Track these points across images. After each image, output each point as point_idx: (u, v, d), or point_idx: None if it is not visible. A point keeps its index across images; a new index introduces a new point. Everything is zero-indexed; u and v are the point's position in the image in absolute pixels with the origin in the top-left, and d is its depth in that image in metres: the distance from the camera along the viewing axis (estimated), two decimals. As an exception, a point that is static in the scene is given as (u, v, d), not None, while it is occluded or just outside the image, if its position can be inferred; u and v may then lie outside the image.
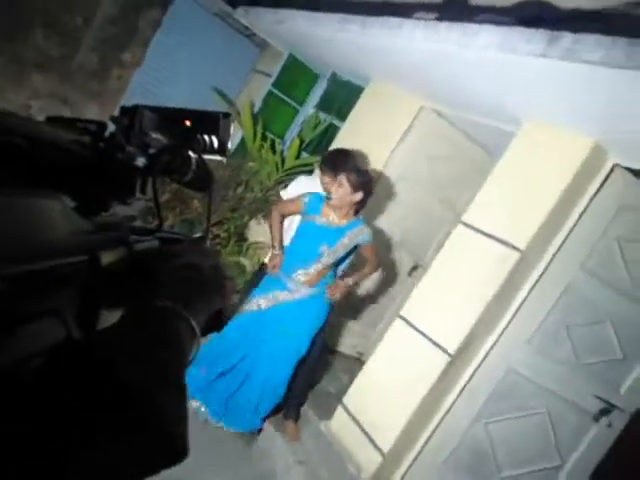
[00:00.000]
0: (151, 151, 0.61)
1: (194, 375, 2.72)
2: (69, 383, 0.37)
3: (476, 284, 2.75)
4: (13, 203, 0.41)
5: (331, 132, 4.42)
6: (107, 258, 0.49)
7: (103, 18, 4.93)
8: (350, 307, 4.10)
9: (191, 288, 0.54)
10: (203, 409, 2.74)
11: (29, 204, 0.43)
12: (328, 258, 2.71)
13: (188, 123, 0.69)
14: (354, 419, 2.90)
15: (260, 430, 2.89)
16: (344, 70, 4.45)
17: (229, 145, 0.72)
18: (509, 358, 2.81)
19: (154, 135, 0.62)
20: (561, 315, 2.79)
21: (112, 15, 4.97)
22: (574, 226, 2.74)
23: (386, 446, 2.71)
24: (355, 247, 2.80)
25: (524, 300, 2.78)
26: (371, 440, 2.77)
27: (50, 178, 0.47)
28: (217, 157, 0.71)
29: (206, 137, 0.70)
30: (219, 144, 0.70)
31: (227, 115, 0.72)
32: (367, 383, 2.99)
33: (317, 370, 3.09)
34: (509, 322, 2.79)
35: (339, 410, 3.02)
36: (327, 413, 3.07)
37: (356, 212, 2.83)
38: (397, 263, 4.20)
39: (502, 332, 2.79)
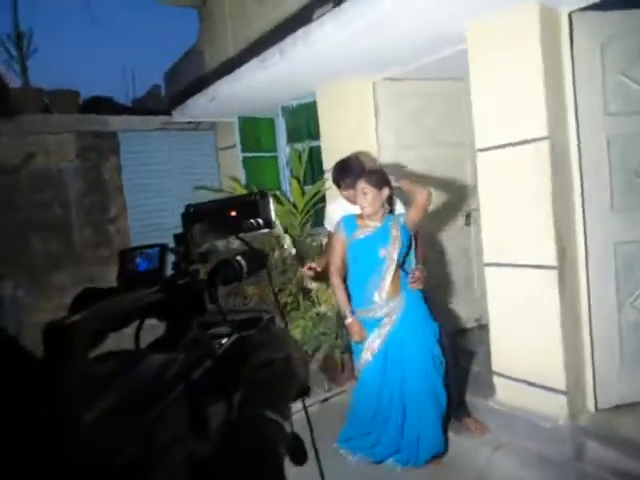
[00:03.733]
0: (207, 266, 0.71)
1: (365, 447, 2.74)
2: None
3: (531, 191, 2.67)
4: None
5: (316, 154, 4.45)
6: (198, 376, 0.56)
7: (76, 196, 5.17)
8: (439, 287, 4.04)
9: (272, 388, 0.59)
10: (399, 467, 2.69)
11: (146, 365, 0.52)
12: (391, 260, 2.67)
13: (233, 213, 0.78)
14: (515, 379, 2.82)
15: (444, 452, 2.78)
16: (290, 99, 4.51)
17: (273, 218, 0.80)
18: (608, 233, 2.69)
19: (211, 236, 0.74)
20: (622, 165, 2.67)
21: (80, 189, 5.21)
22: (574, 86, 2.64)
23: (561, 383, 2.61)
24: (408, 236, 2.75)
25: (581, 175, 2.67)
26: (544, 387, 2.68)
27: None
28: (266, 230, 0.79)
29: (252, 220, 0.78)
30: (264, 220, 0.78)
31: (264, 194, 0.80)
32: (503, 341, 2.91)
33: (455, 364, 3.01)
34: (583, 202, 2.68)
35: (496, 379, 2.93)
36: (488, 390, 2.99)
37: (391, 211, 2.80)
38: (451, 221, 4.13)
39: (583, 214, 2.68)
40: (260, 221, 0.78)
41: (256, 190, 4.05)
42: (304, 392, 0.71)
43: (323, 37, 2.88)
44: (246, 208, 0.79)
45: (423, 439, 2.62)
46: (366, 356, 2.70)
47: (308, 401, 3.47)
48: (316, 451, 0.78)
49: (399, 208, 2.93)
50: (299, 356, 0.70)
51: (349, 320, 2.69)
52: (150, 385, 0.50)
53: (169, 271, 0.69)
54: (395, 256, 2.67)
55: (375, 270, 2.68)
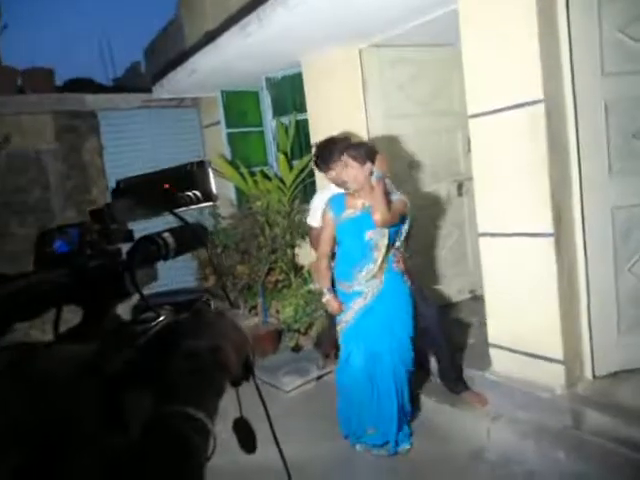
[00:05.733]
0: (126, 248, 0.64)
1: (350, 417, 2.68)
2: None
3: (526, 157, 2.58)
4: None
5: (303, 127, 4.32)
6: (112, 370, 0.52)
7: (56, 179, 5.02)
8: (432, 260, 3.98)
9: (194, 382, 0.55)
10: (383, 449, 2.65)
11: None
12: (380, 242, 2.55)
13: (167, 186, 0.70)
14: (511, 350, 2.77)
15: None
16: (274, 70, 4.35)
17: (213, 190, 0.72)
18: (605, 198, 2.62)
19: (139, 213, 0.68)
20: (619, 127, 2.58)
21: (61, 170, 5.05)
22: (570, 45, 2.53)
23: (558, 352, 2.57)
24: (399, 218, 2.60)
25: (577, 138, 2.59)
26: (541, 357, 2.64)
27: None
28: (207, 204, 0.71)
29: (189, 193, 0.70)
30: (203, 193, 0.70)
31: (201, 163, 0.72)
32: (498, 311, 2.86)
33: (449, 339, 2.98)
34: (579, 167, 2.60)
35: (493, 351, 2.89)
36: (484, 362, 2.95)
37: None
38: (444, 193, 4.04)
39: (580, 179, 2.61)
40: (198, 194, 0.70)
41: (241, 166, 3.96)
42: (237, 382, 0.67)
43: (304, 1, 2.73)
44: (181, 180, 0.71)
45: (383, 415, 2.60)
46: (341, 325, 2.69)
47: (302, 379, 3.42)
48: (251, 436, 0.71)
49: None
50: (236, 343, 0.64)
51: (327, 297, 2.68)
52: (50, 380, 0.47)
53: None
54: (381, 240, 2.55)
55: (361, 253, 2.57)
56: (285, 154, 4.30)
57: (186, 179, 0.71)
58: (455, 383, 2.90)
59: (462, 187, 4.04)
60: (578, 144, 2.60)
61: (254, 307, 4.59)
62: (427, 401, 2.98)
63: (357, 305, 2.61)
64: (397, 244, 2.66)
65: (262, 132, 4.97)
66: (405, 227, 2.67)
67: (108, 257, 0.64)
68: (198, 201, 0.71)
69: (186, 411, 0.51)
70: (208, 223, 4.48)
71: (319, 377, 3.64)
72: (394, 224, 2.55)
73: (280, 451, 0.76)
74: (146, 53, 7.17)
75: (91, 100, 5.17)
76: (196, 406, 0.52)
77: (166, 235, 0.68)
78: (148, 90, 5.20)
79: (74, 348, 0.55)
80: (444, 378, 2.95)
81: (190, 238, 0.72)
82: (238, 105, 4.88)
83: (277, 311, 4.24)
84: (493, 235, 2.82)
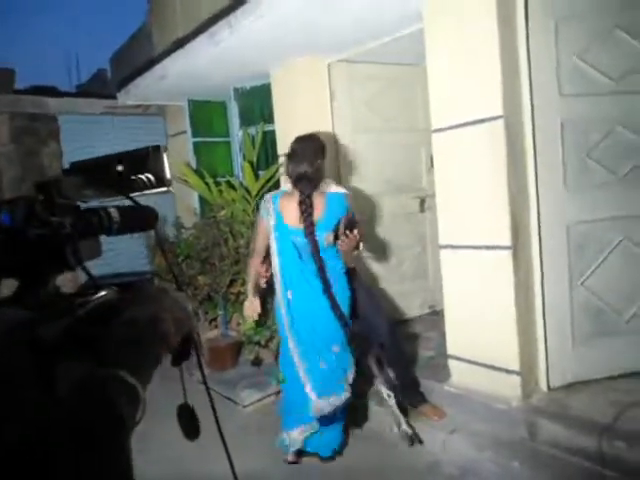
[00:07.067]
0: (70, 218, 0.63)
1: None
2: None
3: (486, 171, 2.65)
4: None
5: (270, 138, 4.32)
6: (47, 333, 0.51)
7: (11, 182, 4.83)
8: (392, 275, 4.00)
9: (130, 348, 0.56)
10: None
11: None
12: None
13: (120, 168, 0.70)
14: (470, 362, 2.80)
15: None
16: (243, 80, 4.36)
17: (167, 175, 0.72)
18: (560, 214, 2.70)
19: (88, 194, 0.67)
20: (575, 146, 2.69)
21: (15, 174, 4.87)
22: (530, 65, 2.63)
23: (515, 364, 2.60)
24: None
25: (535, 155, 2.68)
26: (498, 369, 2.67)
27: None
28: (160, 189, 0.71)
29: (142, 176, 0.70)
30: (156, 177, 0.70)
31: (156, 147, 0.72)
32: (457, 323, 2.88)
33: (404, 352, 2.98)
34: (536, 183, 2.68)
35: (452, 363, 2.90)
36: (443, 374, 2.95)
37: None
38: (405, 207, 4.09)
39: (537, 195, 2.68)
40: (151, 177, 0.70)
41: (206, 176, 3.87)
42: (178, 360, 0.67)
43: (274, 8, 2.75)
44: (135, 163, 0.71)
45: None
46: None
47: (260, 394, 3.30)
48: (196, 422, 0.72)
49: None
50: (177, 317, 0.64)
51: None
52: None
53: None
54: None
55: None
56: (251, 163, 4.28)
57: (140, 163, 0.71)
58: (412, 395, 2.88)
59: (424, 203, 4.10)
60: (535, 160, 2.68)
61: (214, 319, 4.49)
62: (382, 412, 2.95)
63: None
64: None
65: (229, 143, 4.95)
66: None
67: (50, 228, 0.62)
68: (152, 185, 0.70)
69: (119, 374, 0.51)
70: (170, 233, 4.39)
71: (278, 392, 3.56)
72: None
73: (231, 465, 0.77)
74: (112, 61, 7.07)
75: (52, 103, 5.04)
76: (129, 371, 0.52)
77: (112, 210, 0.67)
78: (113, 97, 5.11)
79: (8, 311, 0.53)
80: (401, 391, 2.93)
81: (138, 218, 0.71)
82: (205, 115, 4.85)
83: (238, 324, 4.14)
84: (454, 247, 2.86)
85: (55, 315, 0.55)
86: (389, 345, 2.81)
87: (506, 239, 2.60)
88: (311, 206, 2.43)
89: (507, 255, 2.61)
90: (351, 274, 2.70)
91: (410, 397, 2.88)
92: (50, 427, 0.44)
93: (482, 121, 2.63)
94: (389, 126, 3.98)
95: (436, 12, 2.75)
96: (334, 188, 2.57)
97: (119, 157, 0.71)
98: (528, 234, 2.70)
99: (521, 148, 2.68)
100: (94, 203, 0.70)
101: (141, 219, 0.72)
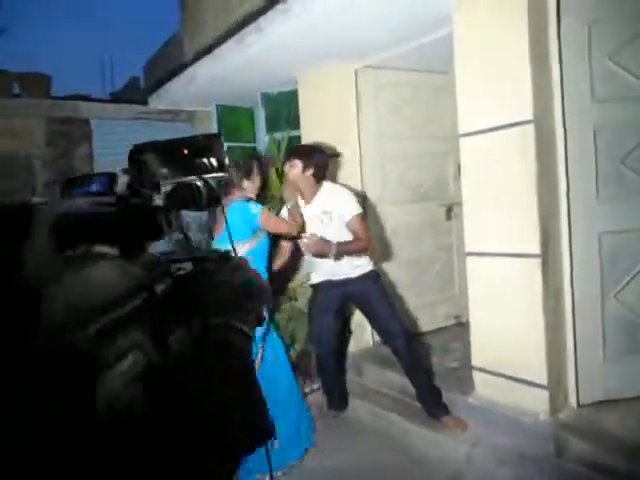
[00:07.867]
0: (164, 189, 0.70)
1: None
2: (156, 404, 0.46)
3: (514, 176, 2.57)
4: (79, 276, 0.50)
5: (295, 143, 4.32)
6: (160, 290, 0.58)
7: (44, 182, 4.96)
8: (416, 285, 3.92)
9: (230, 302, 0.65)
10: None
11: (90, 272, 0.52)
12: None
13: (185, 151, 0.74)
14: (495, 373, 2.70)
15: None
16: (270, 85, 4.38)
17: (226, 161, 0.76)
18: (592, 222, 2.60)
19: (163, 173, 0.72)
20: (608, 152, 2.58)
21: (50, 175, 5.00)
22: (561, 69, 2.55)
23: (543, 377, 2.49)
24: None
25: (566, 161, 2.59)
26: (525, 382, 2.56)
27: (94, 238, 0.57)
28: (219, 174, 0.75)
29: (204, 160, 0.74)
30: (218, 163, 0.74)
31: (218, 135, 0.77)
32: (482, 333, 2.79)
33: (421, 362, 2.98)
34: (567, 190, 2.59)
35: (476, 375, 2.81)
36: (467, 386, 2.86)
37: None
38: (432, 215, 4.02)
39: (568, 203, 2.59)
40: (213, 162, 0.74)
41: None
42: (259, 320, 0.72)
43: (303, 11, 2.76)
44: (199, 148, 0.75)
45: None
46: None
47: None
48: None
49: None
50: (260, 283, 0.73)
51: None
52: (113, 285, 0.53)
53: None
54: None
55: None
56: (276, 169, 4.28)
57: (204, 148, 0.75)
58: (434, 407, 2.81)
59: (451, 211, 4.03)
60: (567, 167, 2.59)
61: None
62: (406, 424, 2.87)
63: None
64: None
65: (254, 148, 4.97)
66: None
67: (143, 199, 0.68)
68: (212, 169, 0.74)
69: (232, 323, 0.62)
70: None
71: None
72: None
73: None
74: (145, 68, 7.23)
75: (85, 107, 5.17)
76: (239, 320, 0.63)
77: (200, 184, 0.73)
78: (144, 103, 5.22)
79: (132, 268, 0.58)
80: (422, 402, 2.86)
81: (215, 195, 0.76)
82: (232, 120, 4.90)
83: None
84: (480, 255, 2.78)
85: (159, 274, 0.62)
86: (404, 353, 2.81)
87: (535, 247, 2.52)
88: None
89: (536, 264, 2.52)
90: (372, 277, 2.80)
91: (432, 408, 2.81)
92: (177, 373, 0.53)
93: (512, 125, 2.56)
94: (415, 133, 3.93)
95: (466, 14, 2.71)
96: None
97: (185, 141, 0.75)
98: (558, 242, 2.61)
99: (552, 154, 2.59)
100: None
101: (215, 198, 0.77)
